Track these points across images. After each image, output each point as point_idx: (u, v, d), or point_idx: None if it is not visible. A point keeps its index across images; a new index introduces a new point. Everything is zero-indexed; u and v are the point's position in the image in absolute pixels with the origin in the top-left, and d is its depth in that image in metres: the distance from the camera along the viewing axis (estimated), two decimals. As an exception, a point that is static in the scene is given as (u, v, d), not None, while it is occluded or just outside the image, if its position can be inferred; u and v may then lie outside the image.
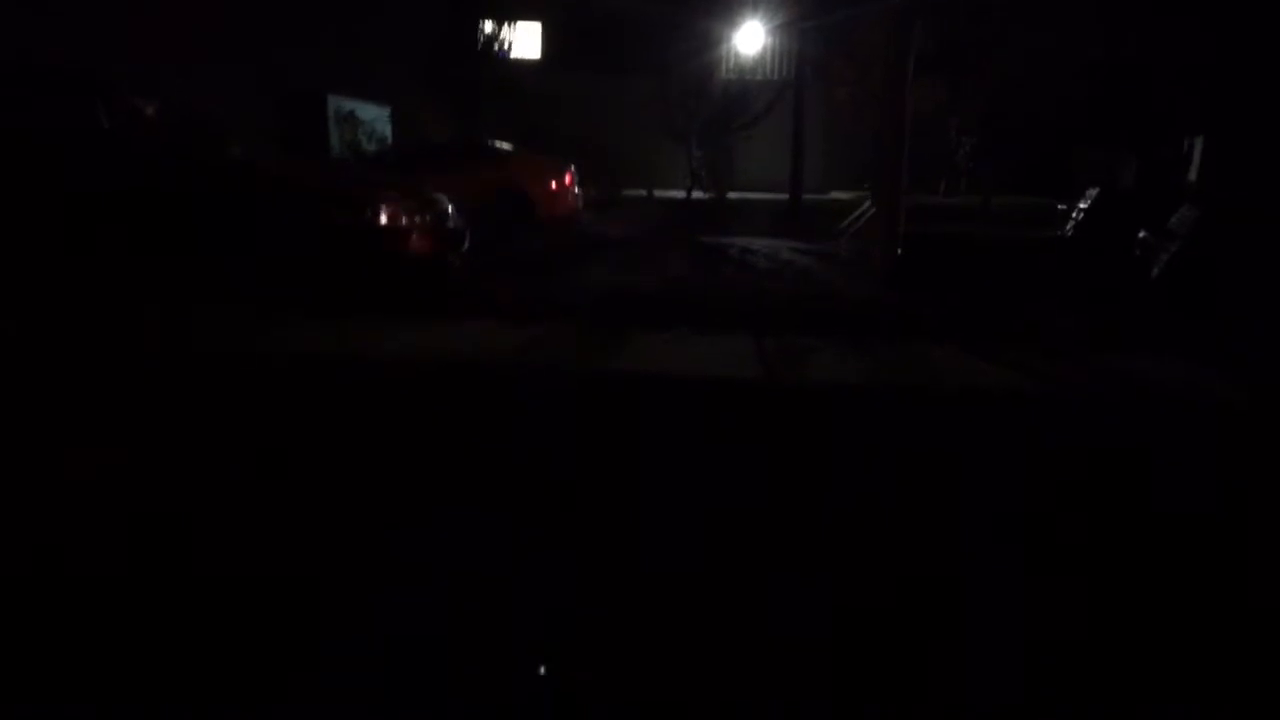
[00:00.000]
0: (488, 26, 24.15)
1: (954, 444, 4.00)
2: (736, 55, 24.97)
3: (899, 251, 8.40)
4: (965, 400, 4.71)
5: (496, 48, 24.10)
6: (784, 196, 20.37)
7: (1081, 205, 9.25)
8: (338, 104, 20.27)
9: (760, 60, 26.54)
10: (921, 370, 5.40)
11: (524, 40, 26.99)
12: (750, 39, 23.55)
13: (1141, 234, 7.45)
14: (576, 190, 16.23)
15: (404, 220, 6.99)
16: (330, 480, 3.30)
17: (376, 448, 3.69)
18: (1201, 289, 6.47)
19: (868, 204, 14.57)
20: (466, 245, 8.05)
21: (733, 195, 22.79)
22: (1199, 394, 4.90)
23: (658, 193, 23.98)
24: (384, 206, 6.86)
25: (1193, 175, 14.49)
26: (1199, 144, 14.82)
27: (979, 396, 4.79)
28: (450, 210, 7.81)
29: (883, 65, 11.01)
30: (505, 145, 16.50)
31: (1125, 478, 3.58)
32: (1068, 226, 9.44)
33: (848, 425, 4.25)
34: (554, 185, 15.67)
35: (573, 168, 16.26)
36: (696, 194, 23.16)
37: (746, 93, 24.02)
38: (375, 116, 21.25)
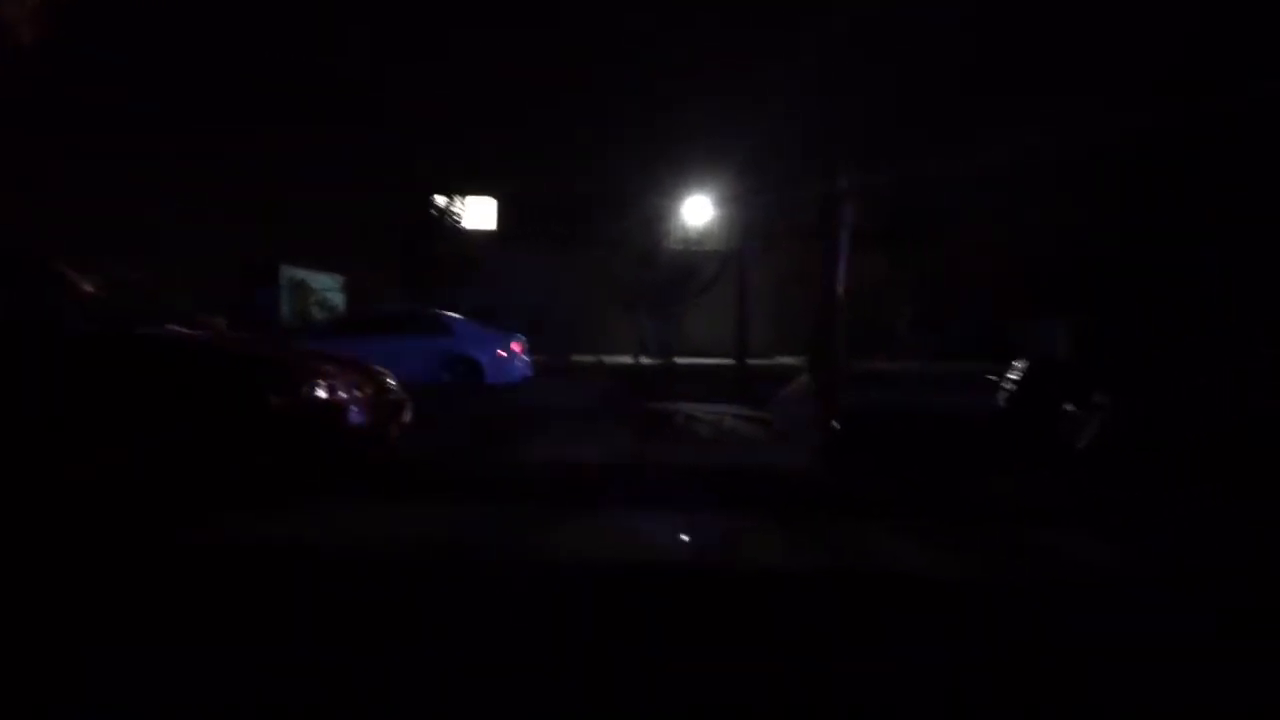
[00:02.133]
0: (440, 200, 24.90)
1: (867, 632, 3.99)
2: (684, 226, 25.83)
3: (835, 425, 8.53)
4: (886, 586, 4.72)
5: (449, 221, 24.80)
6: (731, 362, 20.72)
7: (1011, 376, 9.50)
8: (290, 273, 20.58)
9: (707, 231, 27.43)
10: (848, 552, 5.42)
11: (477, 213, 27.78)
12: (697, 211, 24.50)
13: (1068, 407, 7.66)
14: (526, 358, 16.43)
15: (342, 392, 6.99)
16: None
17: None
18: (1121, 465, 6.63)
19: (805, 374, 14.88)
20: (408, 417, 8.05)
21: (681, 361, 23.15)
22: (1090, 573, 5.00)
23: (608, 359, 24.30)
24: (320, 378, 6.86)
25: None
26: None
27: (900, 581, 4.80)
28: (390, 382, 7.84)
29: (819, 241, 11.50)
30: (455, 315, 16.76)
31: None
32: (1000, 397, 9.66)
33: (766, 615, 4.23)
34: (502, 353, 15.88)
35: (521, 337, 16.51)
36: (645, 360, 23.52)
37: (694, 262, 24.77)
38: (327, 286, 21.56)
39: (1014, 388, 9.43)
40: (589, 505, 6.53)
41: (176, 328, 7.35)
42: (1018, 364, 9.51)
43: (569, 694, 3.17)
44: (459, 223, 25.80)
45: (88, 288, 6.86)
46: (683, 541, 5.51)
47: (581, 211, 26.22)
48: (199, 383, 6.44)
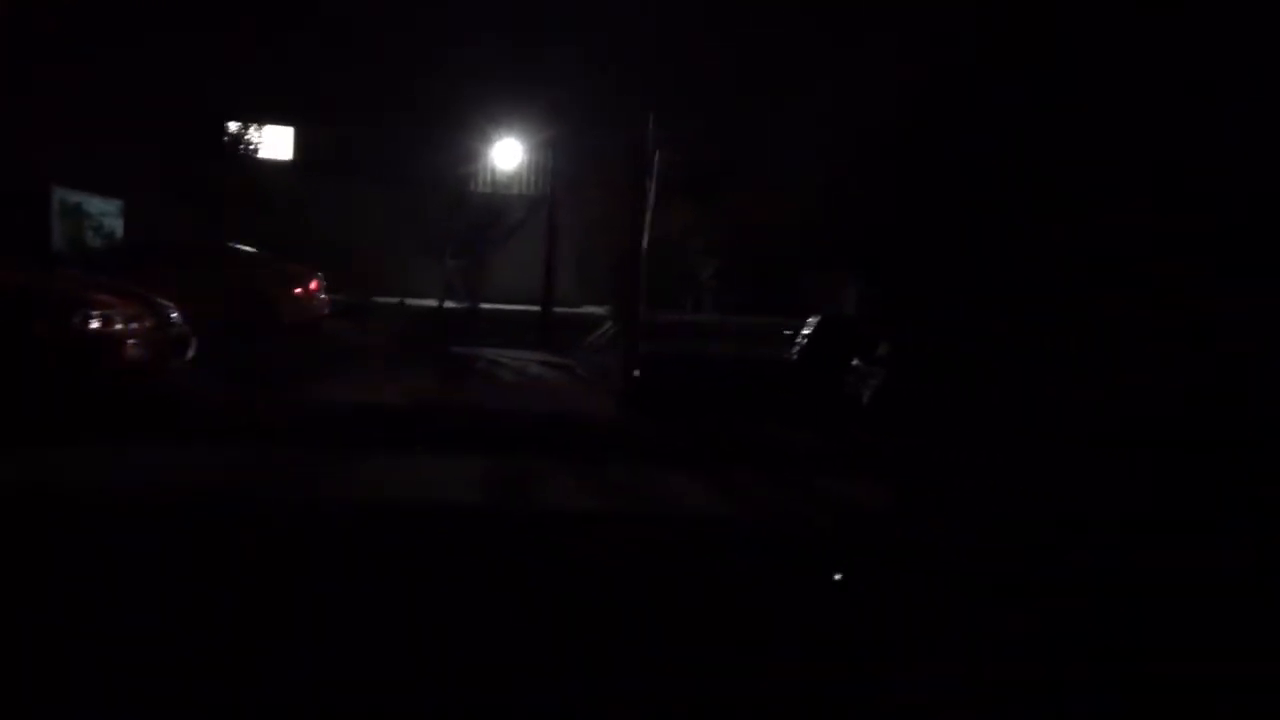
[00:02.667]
0: (233, 126, 23.53)
1: (652, 566, 4.10)
2: (493, 169, 25.41)
3: (636, 372, 8.67)
4: (672, 525, 4.86)
5: (242, 148, 23.47)
6: (537, 309, 20.66)
7: (804, 331, 9.90)
8: (63, 196, 18.97)
9: (517, 175, 27.07)
10: (637, 495, 5.54)
11: (274, 143, 26.36)
12: (507, 155, 24.12)
13: (855, 362, 8.06)
14: (323, 296, 15.83)
15: (117, 325, 6.55)
16: None
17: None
18: (899, 417, 7.04)
19: (609, 323, 14.99)
20: (191, 353, 7.62)
21: (486, 306, 22.88)
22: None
23: (411, 301, 23.73)
24: (93, 310, 6.42)
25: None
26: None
27: (688, 521, 4.96)
28: (173, 315, 7.40)
29: (627, 189, 11.52)
30: (248, 248, 15.93)
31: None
32: (794, 350, 10.06)
33: (559, 551, 4.27)
34: (299, 290, 15.24)
35: (319, 274, 15.88)
36: (450, 304, 23.11)
37: (502, 206, 24.43)
38: (104, 211, 20.01)
39: (806, 342, 9.84)
40: (381, 448, 6.39)
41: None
42: (811, 320, 9.93)
43: (337, 638, 3.10)
44: (254, 151, 24.42)
45: None
46: (474, 484, 5.48)
47: (388, 148, 25.36)
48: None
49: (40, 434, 5.82)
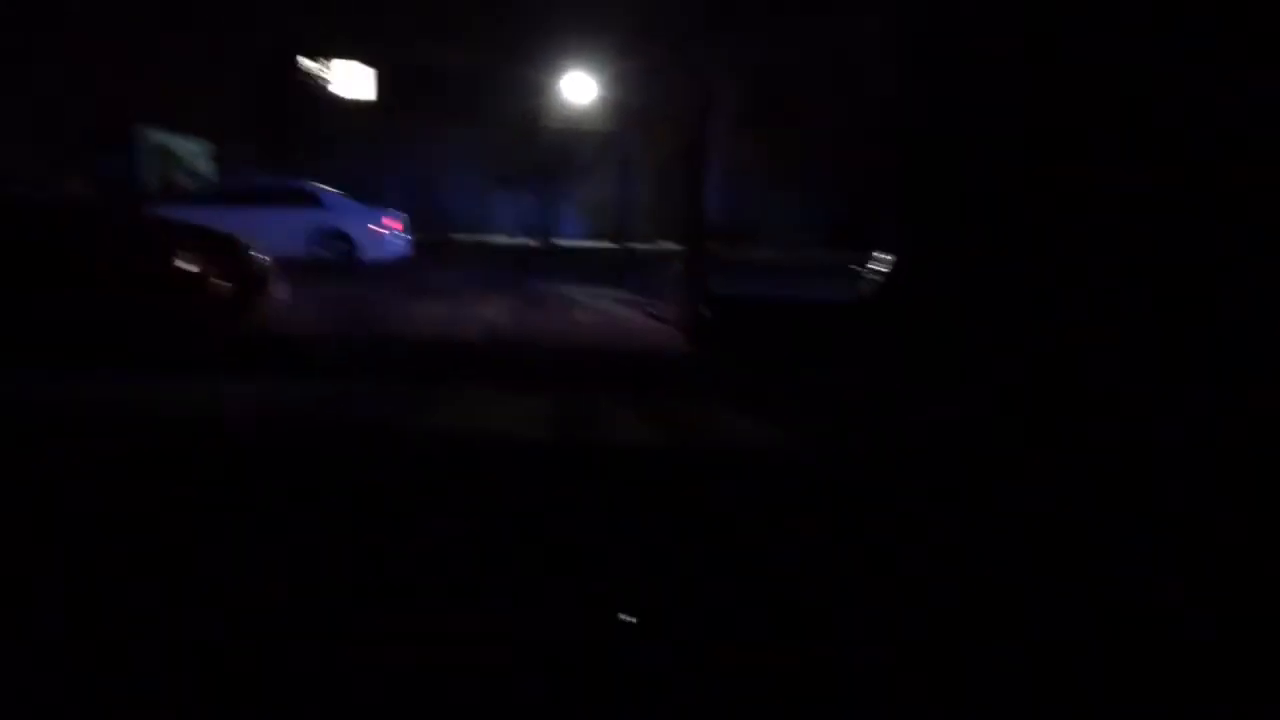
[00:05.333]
0: (311, 65, 23.90)
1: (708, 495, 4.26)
2: (567, 105, 25.43)
3: (703, 312, 8.76)
4: (714, 457, 5.06)
5: (324, 89, 23.86)
6: (614, 246, 20.81)
7: (878, 269, 9.82)
8: (151, 137, 19.57)
9: (590, 111, 27.06)
10: (694, 429, 5.70)
11: (355, 83, 26.73)
12: (579, 90, 24.15)
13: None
14: (403, 235, 16.19)
15: (202, 264, 6.87)
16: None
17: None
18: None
19: (680, 261, 15.02)
20: (282, 293, 7.94)
21: (563, 243, 23.10)
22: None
23: (490, 238, 24.06)
24: (178, 249, 6.75)
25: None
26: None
27: (738, 453, 5.14)
28: (258, 256, 7.69)
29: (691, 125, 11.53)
30: (329, 189, 16.33)
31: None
32: (867, 290, 9.99)
33: (609, 482, 4.45)
34: (379, 229, 15.62)
35: (399, 213, 16.23)
36: (526, 241, 23.38)
37: (577, 142, 24.49)
38: (193, 152, 20.59)
39: (878, 281, 9.77)
40: (455, 382, 6.62)
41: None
42: (880, 256, 9.84)
43: (414, 546, 3.33)
44: (332, 91, 24.84)
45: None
46: (540, 419, 5.69)
47: (464, 86, 25.53)
48: (65, 247, 6.33)
49: (134, 364, 6.15)
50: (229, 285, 7.04)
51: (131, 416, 5.05)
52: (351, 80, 26.48)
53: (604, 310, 11.91)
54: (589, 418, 5.85)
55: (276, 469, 4.33)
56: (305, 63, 24.44)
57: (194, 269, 6.81)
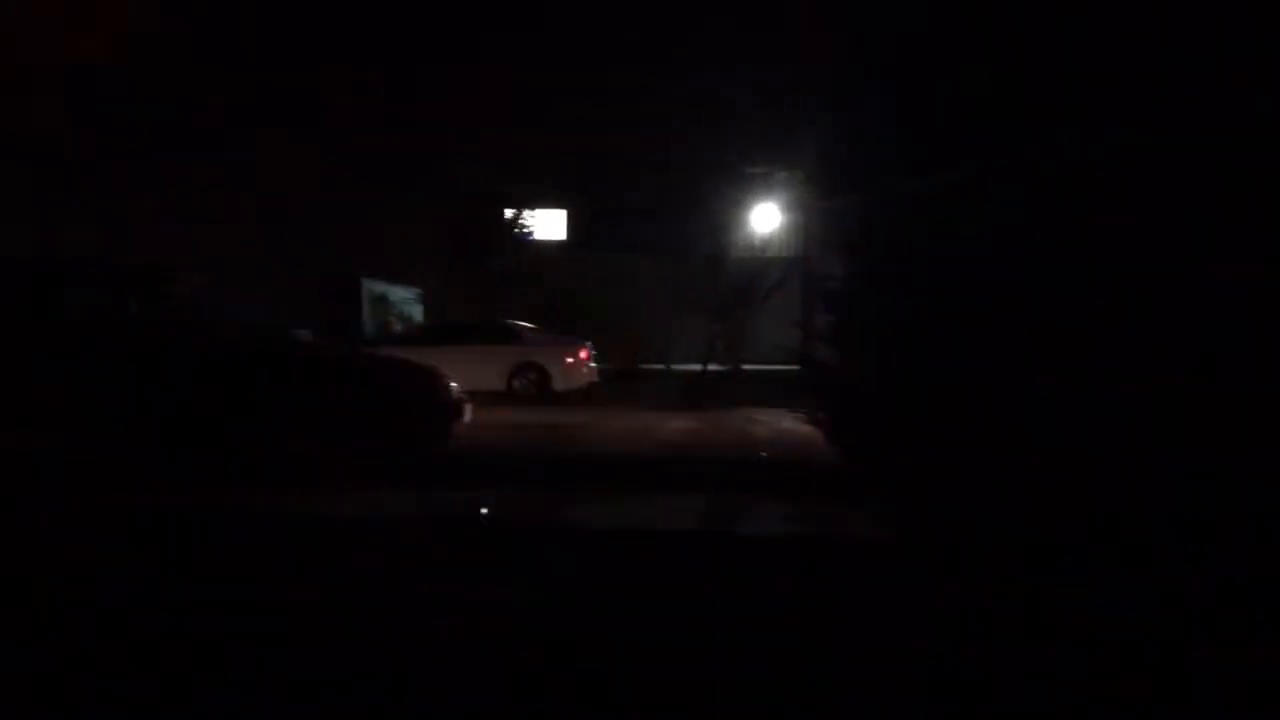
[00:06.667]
0: (509, 212, 25.85)
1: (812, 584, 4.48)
2: (751, 233, 26.19)
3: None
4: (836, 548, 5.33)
5: (518, 233, 25.70)
6: (796, 368, 21.00)
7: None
8: (371, 286, 21.57)
9: (773, 237, 27.75)
10: (823, 524, 6.03)
11: (547, 224, 28.64)
12: (764, 218, 24.93)
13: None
14: (592, 365, 17.07)
15: (408, 394, 7.73)
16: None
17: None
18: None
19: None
20: (468, 417, 8.70)
21: (747, 367, 23.51)
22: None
23: (676, 365, 24.76)
24: (395, 381, 7.67)
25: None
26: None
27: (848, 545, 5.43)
28: (454, 385, 8.49)
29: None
30: (525, 324, 17.51)
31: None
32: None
33: (733, 567, 4.79)
34: (570, 360, 16.53)
35: (588, 344, 17.16)
36: (712, 366, 23.91)
37: (759, 269, 25.09)
38: (405, 298, 22.50)
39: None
40: (630, 488, 7.21)
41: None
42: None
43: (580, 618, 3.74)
44: (528, 233, 26.76)
45: (185, 292, 7.75)
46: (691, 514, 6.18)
47: (651, 221, 26.84)
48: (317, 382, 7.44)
49: (349, 480, 6.97)
50: (431, 409, 7.87)
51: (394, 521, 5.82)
52: (546, 221, 28.42)
53: (776, 426, 12.19)
54: (728, 515, 6.31)
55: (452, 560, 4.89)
56: (506, 212, 26.55)
57: (401, 397, 7.71)
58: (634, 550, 5.10)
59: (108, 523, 5.51)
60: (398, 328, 21.13)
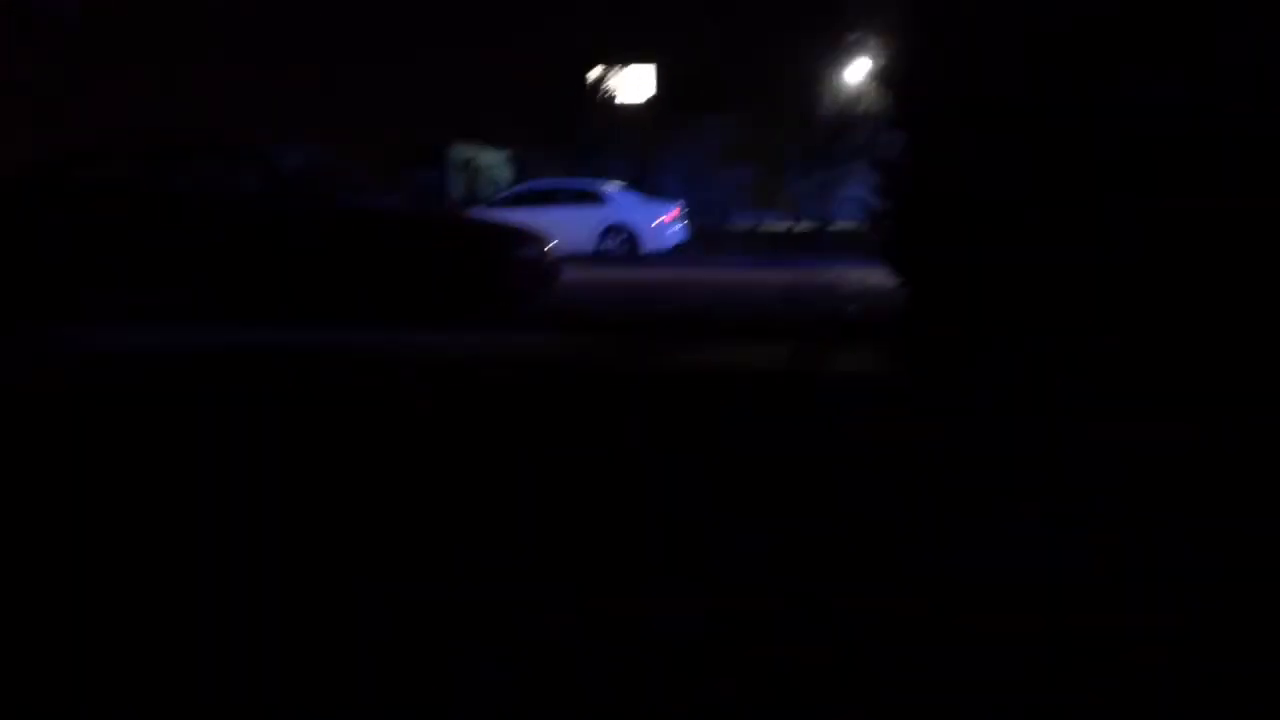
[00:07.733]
0: (595, 71, 25.61)
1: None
2: (839, 90, 25.60)
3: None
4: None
5: (605, 93, 25.49)
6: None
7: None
8: (457, 151, 21.80)
9: (862, 93, 27.06)
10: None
11: (637, 81, 28.27)
12: (852, 74, 24.30)
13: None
14: (680, 225, 17.15)
15: (502, 256, 8.07)
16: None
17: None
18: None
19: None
20: (559, 276, 9.03)
21: (836, 225, 23.34)
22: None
23: (764, 224, 24.71)
24: (498, 243, 8.06)
25: None
26: None
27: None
28: (547, 248, 8.77)
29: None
30: (613, 185, 17.60)
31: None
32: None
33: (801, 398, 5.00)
34: (658, 221, 16.64)
35: (678, 204, 17.23)
36: (801, 225, 23.82)
37: (849, 126, 24.61)
38: (493, 162, 22.69)
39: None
40: (708, 338, 7.48)
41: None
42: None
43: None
44: (614, 94, 26.50)
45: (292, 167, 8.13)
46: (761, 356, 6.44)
47: (739, 75, 26.35)
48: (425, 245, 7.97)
49: (448, 333, 7.37)
50: (524, 267, 8.20)
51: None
52: (635, 81, 28.04)
53: (871, 285, 12.22)
54: (800, 359, 6.51)
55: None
56: (594, 70, 26.25)
57: (505, 256, 8.07)
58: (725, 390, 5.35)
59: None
60: (487, 191, 21.44)
